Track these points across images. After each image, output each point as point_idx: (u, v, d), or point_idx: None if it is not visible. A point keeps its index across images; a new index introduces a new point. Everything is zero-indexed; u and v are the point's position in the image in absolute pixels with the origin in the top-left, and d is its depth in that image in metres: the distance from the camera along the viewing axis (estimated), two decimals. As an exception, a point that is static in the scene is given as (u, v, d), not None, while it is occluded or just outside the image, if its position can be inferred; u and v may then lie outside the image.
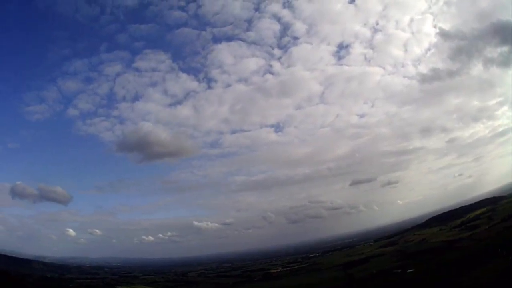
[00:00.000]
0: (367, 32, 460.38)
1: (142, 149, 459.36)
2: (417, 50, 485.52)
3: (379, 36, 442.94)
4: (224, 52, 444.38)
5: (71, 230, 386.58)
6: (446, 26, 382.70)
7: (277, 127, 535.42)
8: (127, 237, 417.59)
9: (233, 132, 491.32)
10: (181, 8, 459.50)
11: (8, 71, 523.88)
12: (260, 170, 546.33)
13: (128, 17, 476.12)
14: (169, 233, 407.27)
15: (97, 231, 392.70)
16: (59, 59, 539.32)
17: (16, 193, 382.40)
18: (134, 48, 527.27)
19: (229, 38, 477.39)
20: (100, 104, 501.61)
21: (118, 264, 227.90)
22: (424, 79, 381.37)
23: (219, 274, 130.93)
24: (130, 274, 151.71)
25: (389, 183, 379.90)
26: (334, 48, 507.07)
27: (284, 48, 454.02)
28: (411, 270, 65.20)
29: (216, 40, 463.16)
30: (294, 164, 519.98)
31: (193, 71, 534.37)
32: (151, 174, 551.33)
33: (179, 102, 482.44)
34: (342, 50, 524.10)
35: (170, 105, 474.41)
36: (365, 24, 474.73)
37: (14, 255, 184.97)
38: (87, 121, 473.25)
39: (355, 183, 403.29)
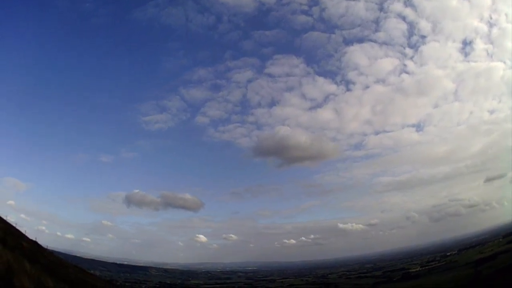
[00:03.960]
0: (484, 27, 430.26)
1: (281, 153, 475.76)
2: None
3: (495, 30, 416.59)
4: (357, 54, 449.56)
5: (202, 236, 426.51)
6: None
7: (418, 127, 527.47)
8: (267, 241, 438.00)
9: (377, 133, 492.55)
10: (305, 12, 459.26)
11: (123, 84, 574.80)
12: (403, 170, 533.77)
13: (249, 24, 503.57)
14: (312, 236, 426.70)
15: (233, 236, 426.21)
16: (177, 69, 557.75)
17: (132, 202, 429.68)
18: (263, 54, 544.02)
19: (360, 40, 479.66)
20: (233, 110, 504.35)
21: (254, 268, 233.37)
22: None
23: (360, 275, 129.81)
24: (267, 278, 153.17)
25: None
26: (459, 45, 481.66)
27: (414, 47, 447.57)
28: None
29: (348, 42, 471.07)
30: (435, 162, 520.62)
31: (330, 74, 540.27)
32: (291, 178, 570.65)
33: (319, 106, 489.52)
34: (466, 46, 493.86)
35: (310, 108, 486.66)
36: (481, 19, 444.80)
37: (126, 262, 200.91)
38: (219, 128, 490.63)
39: (489, 179, 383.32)
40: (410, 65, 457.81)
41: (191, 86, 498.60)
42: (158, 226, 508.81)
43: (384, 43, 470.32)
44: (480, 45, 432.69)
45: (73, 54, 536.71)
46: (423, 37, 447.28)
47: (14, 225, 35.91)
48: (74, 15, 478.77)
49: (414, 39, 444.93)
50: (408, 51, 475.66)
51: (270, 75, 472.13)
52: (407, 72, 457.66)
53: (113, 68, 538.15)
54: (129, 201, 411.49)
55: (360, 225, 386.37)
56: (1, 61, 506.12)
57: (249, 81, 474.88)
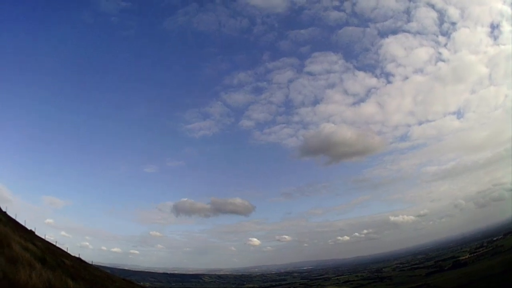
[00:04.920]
0: (508, 9, 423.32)
1: (328, 150, 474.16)
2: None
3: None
4: (393, 46, 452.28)
5: (255, 239, 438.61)
6: None
7: (458, 114, 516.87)
8: (320, 239, 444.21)
9: (420, 123, 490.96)
10: (337, 8, 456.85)
11: (163, 94, 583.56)
12: (448, 158, 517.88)
13: (283, 24, 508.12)
14: (365, 231, 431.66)
15: (286, 237, 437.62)
16: (216, 75, 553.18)
17: (180, 210, 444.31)
18: (301, 53, 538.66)
19: (394, 31, 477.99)
20: (277, 112, 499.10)
21: (309, 267, 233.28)
22: None
23: (413, 266, 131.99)
24: (322, 276, 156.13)
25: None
26: (487, 29, 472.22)
27: (446, 34, 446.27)
28: None
29: (382, 34, 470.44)
30: (477, 148, 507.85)
31: (369, 68, 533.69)
32: (340, 174, 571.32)
33: (362, 100, 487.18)
34: (494, 30, 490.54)
35: (353, 103, 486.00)
36: (504, 1, 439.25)
37: (177, 272, 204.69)
38: (265, 130, 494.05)
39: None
40: (445, 52, 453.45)
41: (232, 91, 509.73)
42: (209, 233, 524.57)
43: (418, 33, 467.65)
44: (506, 28, 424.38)
45: (109, 69, 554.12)
46: (453, 23, 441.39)
47: (54, 243, 37.23)
48: (101, 29, 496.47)
49: (445, 27, 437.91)
50: (441, 39, 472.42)
51: (310, 73, 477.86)
52: (442, 60, 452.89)
53: (150, 79, 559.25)
54: (178, 210, 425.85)
55: (411, 217, 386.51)
56: (41, 79, 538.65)
57: (290, 81, 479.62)
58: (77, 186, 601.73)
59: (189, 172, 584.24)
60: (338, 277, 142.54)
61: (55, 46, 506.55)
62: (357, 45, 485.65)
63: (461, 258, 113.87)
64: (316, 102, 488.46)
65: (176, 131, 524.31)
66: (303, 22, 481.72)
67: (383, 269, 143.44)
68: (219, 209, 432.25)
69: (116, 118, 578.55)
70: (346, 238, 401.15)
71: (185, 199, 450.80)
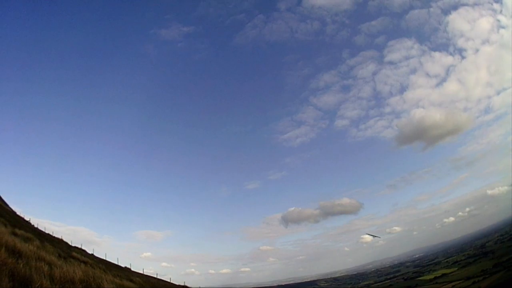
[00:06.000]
0: None
1: (422, 136, 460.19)
2: None
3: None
4: (458, 21, 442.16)
5: (366, 236, 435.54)
6: None
7: None
8: (428, 225, 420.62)
9: (498, 92, 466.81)
10: None
11: (253, 109, 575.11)
12: None
13: (353, 19, 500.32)
14: (467, 209, 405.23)
15: (396, 228, 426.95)
16: (302, 81, 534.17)
17: (289, 220, 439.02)
18: (378, 44, 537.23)
19: (454, 7, 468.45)
20: (368, 106, 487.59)
21: (421, 254, 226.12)
22: None
23: None
24: (433, 261, 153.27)
25: None
26: None
27: (499, 1, 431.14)
28: None
29: (446, 12, 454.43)
30: None
31: (443, 47, 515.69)
32: (438, 157, 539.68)
33: (443, 80, 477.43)
34: None
35: (437, 85, 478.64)
36: None
37: (292, 281, 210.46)
38: (360, 126, 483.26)
39: None
40: (503, 19, 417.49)
41: (320, 93, 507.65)
42: (321, 238, 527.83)
43: (475, 4, 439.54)
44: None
45: (189, 96, 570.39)
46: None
47: (154, 275, 38.45)
48: (169, 57, 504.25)
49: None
50: (496, 6, 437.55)
51: (391, 63, 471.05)
52: (503, 27, 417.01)
53: (233, 97, 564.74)
54: (286, 220, 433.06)
55: (505, 187, 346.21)
56: (119, 121, 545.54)
57: (374, 73, 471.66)
58: (175, 216, 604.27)
59: (293, 181, 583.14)
60: (447, 259, 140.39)
61: (125, 86, 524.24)
62: (426, 27, 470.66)
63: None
64: (402, 89, 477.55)
65: (272, 144, 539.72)
66: (371, 13, 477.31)
67: (486, 244, 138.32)
68: (328, 212, 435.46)
69: (209, 141, 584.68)
70: (452, 219, 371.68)
71: (292, 208, 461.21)
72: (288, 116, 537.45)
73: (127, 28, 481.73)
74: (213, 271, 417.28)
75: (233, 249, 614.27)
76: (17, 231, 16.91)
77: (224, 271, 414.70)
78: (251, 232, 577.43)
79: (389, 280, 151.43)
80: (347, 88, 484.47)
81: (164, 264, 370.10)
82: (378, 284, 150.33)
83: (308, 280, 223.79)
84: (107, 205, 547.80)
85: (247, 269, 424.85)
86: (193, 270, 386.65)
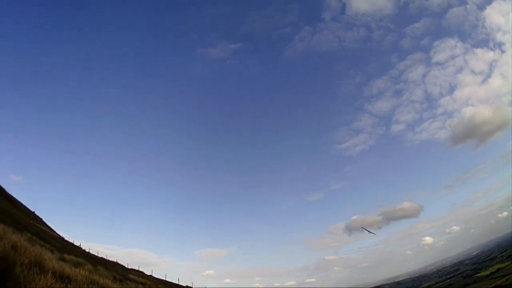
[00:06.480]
0: None
1: (474, 133, 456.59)
2: None
3: None
4: (493, 16, 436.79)
5: (427, 238, 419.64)
6: None
7: None
8: (484, 221, 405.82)
9: None
10: None
11: (309, 123, 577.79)
12: None
13: (397, 23, 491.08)
14: None
15: (455, 227, 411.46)
16: (355, 89, 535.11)
17: (352, 229, 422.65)
18: (423, 46, 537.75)
19: (488, 1, 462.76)
20: (421, 108, 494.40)
21: (477, 251, 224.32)
22: None
23: None
24: (489, 257, 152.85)
25: None
26: None
27: None
28: None
29: (481, 7, 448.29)
30: None
31: (483, 43, 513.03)
32: (490, 153, 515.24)
33: (488, 76, 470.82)
34: None
35: (483, 81, 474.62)
36: None
37: None
38: (416, 129, 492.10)
39: None
40: None
41: (375, 100, 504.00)
42: (384, 244, 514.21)
43: None
44: None
45: (248, 109, 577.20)
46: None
47: None
48: (219, 74, 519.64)
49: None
50: None
51: (438, 63, 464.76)
52: None
53: (288, 109, 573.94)
54: (350, 229, 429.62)
55: None
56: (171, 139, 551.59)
57: (424, 75, 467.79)
58: (238, 232, 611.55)
59: (354, 189, 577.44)
60: (502, 254, 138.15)
61: (177, 108, 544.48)
62: (466, 24, 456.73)
63: None
64: (451, 89, 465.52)
65: (332, 154, 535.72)
66: (413, 16, 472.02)
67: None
68: (390, 218, 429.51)
69: (267, 157, 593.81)
70: (505, 213, 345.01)
71: (355, 216, 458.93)
72: (345, 125, 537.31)
73: (174, 49, 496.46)
74: (278, 284, 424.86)
75: (298, 261, 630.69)
76: (66, 256, 17.43)
77: (289, 283, 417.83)
78: (315, 243, 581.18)
79: (449, 280, 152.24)
80: (400, 92, 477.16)
81: (227, 280, 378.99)
82: (439, 284, 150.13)
83: (372, 286, 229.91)
84: (166, 226, 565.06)
85: (312, 279, 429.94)
86: (257, 284, 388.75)
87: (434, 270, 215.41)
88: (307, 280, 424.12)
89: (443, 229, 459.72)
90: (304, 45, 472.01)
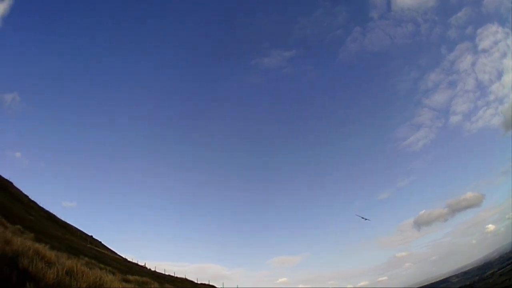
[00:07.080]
0: None
1: None
2: None
3: None
4: None
5: (490, 225, 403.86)
6: None
7: None
8: None
9: None
10: None
11: (371, 123, 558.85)
12: None
13: (440, 14, 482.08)
14: None
15: None
16: (411, 85, 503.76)
17: (421, 223, 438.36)
18: (468, 35, 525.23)
19: None
20: (475, 97, 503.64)
21: None
22: None
23: None
24: None
25: None
26: None
27: None
28: None
29: None
30: None
31: None
32: None
33: None
34: None
35: None
36: None
37: (426, 283, 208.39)
38: (472, 118, 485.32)
39: None
40: None
41: (431, 93, 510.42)
42: (451, 235, 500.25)
43: None
44: None
45: (308, 114, 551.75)
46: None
47: None
48: (274, 84, 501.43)
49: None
50: None
51: (484, 51, 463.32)
52: None
53: (350, 111, 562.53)
54: (418, 224, 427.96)
55: None
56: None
57: (473, 64, 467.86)
58: (310, 237, 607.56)
59: (420, 184, 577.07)
60: None
61: (236, 123, 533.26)
62: (502, 8, 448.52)
63: None
64: (499, 75, 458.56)
65: (396, 151, 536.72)
66: (454, 6, 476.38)
67: None
68: (455, 209, 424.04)
69: (332, 159, 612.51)
70: None
71: (423, 211, 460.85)
72: (406, 122, 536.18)
73: (228, 63, 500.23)
74: (351, 286, 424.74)
75: (368, 262, 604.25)
76: (130, 277, 17.66)
77: (362, 283, 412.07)
78: (384, 241, 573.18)
79: (510, 265, 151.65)
80: (454, 83, 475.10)
81: (301, 286, 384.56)
82: (502, 270, 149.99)
83: (441, 278, 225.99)
84: (235, 238, 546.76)
85: (384, 278, 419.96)
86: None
87: (497, 257, 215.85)
88: (379, 279, 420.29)
89: (504, 215, 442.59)
90: (357, 46, 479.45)
